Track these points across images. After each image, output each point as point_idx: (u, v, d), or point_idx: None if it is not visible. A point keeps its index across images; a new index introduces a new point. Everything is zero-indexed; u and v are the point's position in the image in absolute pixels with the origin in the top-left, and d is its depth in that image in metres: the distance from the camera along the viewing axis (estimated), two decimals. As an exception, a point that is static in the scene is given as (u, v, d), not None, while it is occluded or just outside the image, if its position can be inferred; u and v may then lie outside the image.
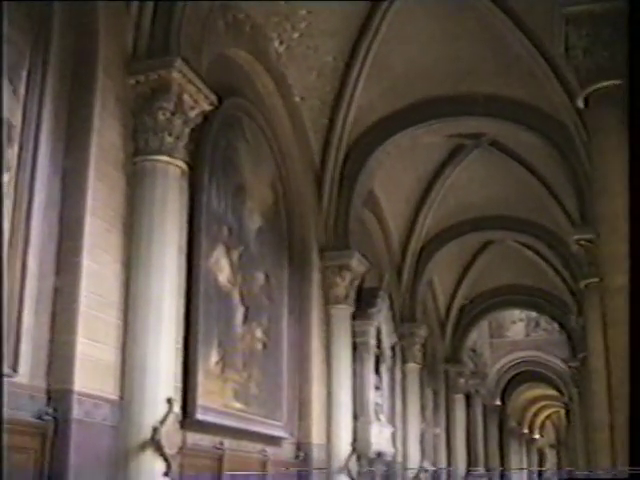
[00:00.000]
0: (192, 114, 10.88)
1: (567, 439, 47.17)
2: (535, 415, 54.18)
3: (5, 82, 8.50)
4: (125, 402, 9.74)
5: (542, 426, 56.38)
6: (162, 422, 9.74)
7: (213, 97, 11.25)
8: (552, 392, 44.44)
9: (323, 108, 16.93)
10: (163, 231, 10.28)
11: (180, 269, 11.09)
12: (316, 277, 17.02)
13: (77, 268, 9.28)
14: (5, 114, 8.49)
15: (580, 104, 10.63)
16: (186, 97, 10.71)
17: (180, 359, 11.30)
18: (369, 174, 18.21)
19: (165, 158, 10.48)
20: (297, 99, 16.30)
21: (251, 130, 15.03)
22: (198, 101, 10.94)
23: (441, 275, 27.67)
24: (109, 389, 9.62)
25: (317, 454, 16.25)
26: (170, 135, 10.51)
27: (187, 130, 10.78)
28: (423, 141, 19.29)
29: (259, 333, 14.63)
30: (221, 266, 13.36)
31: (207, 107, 11.20)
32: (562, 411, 47.66)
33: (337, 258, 17.30)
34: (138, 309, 9.95)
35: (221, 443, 12.80)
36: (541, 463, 54.55)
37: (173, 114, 10.56)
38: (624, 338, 9.24)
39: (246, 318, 14.12)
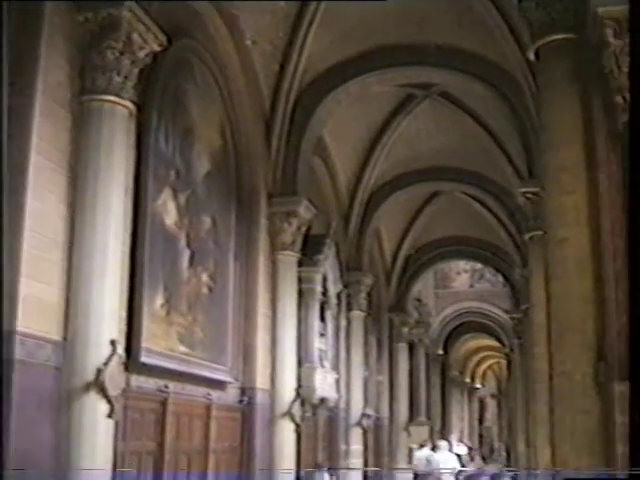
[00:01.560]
0: (141, 54, 10.72)
1: (508, 389, 47.92)
2: (477, 365, 54.96)
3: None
4: (69, 343, 9.70)
5: (484, 376, 57.22)
6: (106, 364, 9.73)
7: (163, 37, 11.09)
8: (494, 343, 45.05)
9: (275, 53, 16.76)
10: (109, 172, 10.17)
11: (126, 211, 10.99)
12: (263, 223, 17.01)
13: (21, 207, 9.16)
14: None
15: (531, 56, 10.67)
16: (135, 36, 10.54)
17: (125, 301, 11.26)
18: (319, 121, 18.15)
19: (113, 98, 10.34)
20: (248, 43, 16.11)
21: (201, 73, 14.88)
22: (147, 41, 10.77)
23: (388, 224, 27.79)
24: (52, 330, 9.56)
25: (261, 399, 16.38)
26: (118, 75, 10.35)
27: (136, 70, 10.63)
28: (373, 90, 19.22)
29: (205, 277, 14.63)
30: (168, 209, 13.30)
31: (157, 48, 11.04)
32: (503, 362, 48.33)
33: (284, 204, 17.29)
34: (83, 250, 9.88)
35: (166, 386, 12.84)
36: (482, 412, 55.45)
37: (122, 53, 10.41)
38: (565, 290, 9.40)
39: (192, 262, 14.10)
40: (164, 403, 12.70)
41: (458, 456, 25.02)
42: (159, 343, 12.69)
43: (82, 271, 9.84)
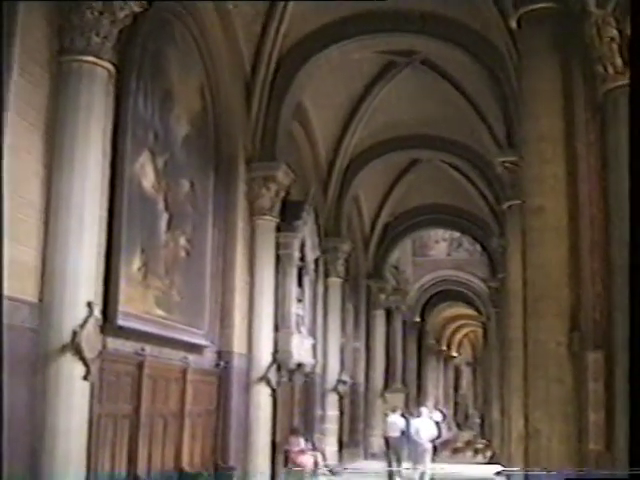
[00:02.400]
0: (121, 15, 10.58)
1: (483, 358, 48.25)
2: (453, 333, 55.30)
3: None
4: (45, 305, 9.68)
5: (459, 344, 57.61)
6: (82, 326, 9.74)
7: (143, -2, 10.99)
8: (471, 311, 45.30)
9: (256, 17, 16.63)
10: (87, 133, 10.12)
11: (104, 172, 10.94)
12: (242, 187, 16.97)
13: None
14: None
15: (513, 25, 10.66)
16: (115, -4, 10.44)
17: (102, 264, 11.25)
18: (299, 86, 18.08)
19: (91, 59, 10.26)
20: (230, 6, 15.97)
21: (181, 35, 14.76)
22: (127, 2, 10.65)
23: (367, 191, 27.80)
24: (29, 291, 9.54)
25: (238, 363, 16.44)
26: (97, 35, 10.25)
27: (115, 31, 10.51)
28: (354, 56, 19.14)
29: (183, 241, 14.61)
30: (146, 172, 13.24)
31: (137, 9, 10.91)
32: (479, 330, 48.62)
33: (263, 169, 17.25)
34: (59, 211, 9.83)
35: (142, 349, 12.86)
36: (457, 380, 55.88)
37: (101, 14, 10.29)
38: (542, 258, 9.45)
39: (170, 225, 14.07)
40: (140, 366, 12.72)
41: (436, 423, 25.24)
42: (136, 306, 12.68)
43: (59, 233, 9.80)
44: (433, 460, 23.22)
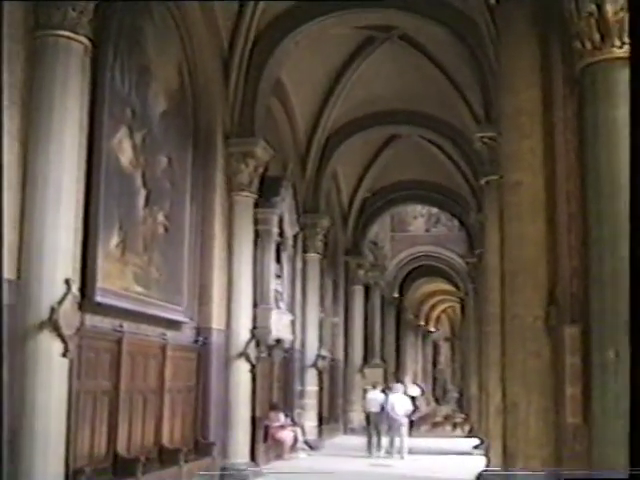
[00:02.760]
0: (97, -11, 10.52)
1: (461, 333, 48.53)
2: (432, 309, 55.56)
3: None
4: (22, 282, 9.65)
5: (438, 320, 57.90)
6: (60, 302, 9.72)
7: (119, -28, 10.91)
8: (449, 287, 45.48)
9: (233, -7, 16.56)
10: (63, 109, 10.04)
11: (81, 148, 10.87)
12: (220, 163, 16.91)
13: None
14: None
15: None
16: (91, -30, 10.35)
17: (80, 240, 11.20)
18: (277, 62, 17.99)
19: (67, 33, 10.16)
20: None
21: (159, 11, 14.67)
22: (103, -23, 10.58)
23: (345, 167, 27.78)
24: (5, 268, 9.47)
25: (217, 339, 16.46)
26: (73, 10, 10.14)
27: (91, 5, 10.41)
28: (332, 32, 19.06)
29: (161, 217, 14.56)
30: (123, 148, 13.16)
31: (113, -17, 10.86)
32: (457, 306, 48.86)
33: (242, 145, 17.18)
34: (36, 188, 9.78)
35: (120, 326, 12.85)
36: (435, 355, 56.19)
37: (77, -12, 10.21)
38: (519, 233, 9.49)
39: (148, 202, 14.02)
40: (119, 343, 12.72)
41: (412, 398, 25.65)
42: (114, 283, 12.66)
43: (35, 209, 9.76)
44: (411, 435, 23.71)
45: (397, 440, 22.33)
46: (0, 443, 7.98)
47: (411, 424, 25.05)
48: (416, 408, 28.15)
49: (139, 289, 13.65)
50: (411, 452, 22.17)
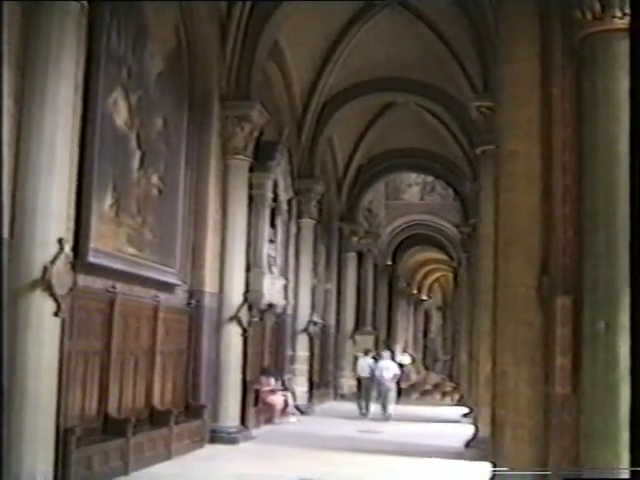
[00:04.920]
0: (93, -53, 10.42)
1: (453, 302, 48.65)
2: (424, 277, 55.62)
3: None
4: (15, 241, 9.61)
5: (430, 288, 57.99)
6: (53, 262, 9.70)
7: None
8: (442, 256, 45.50)
9: (232, -48, 16.42)
10: (59, 68, 9.95)
11: (75, 108, 10.81)
12: (216, 126, 16.85)
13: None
14: None
15: (491, -33, 10.58)
16: None
17: (73, 200, 11.17)
18: (275, 25, 17.86)
19: (64, -8, 10.07)
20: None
21: (156, -30, 14.54)
22: None
23: (341, 133, 27.69)
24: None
25: (209, 302, 16.50)
26: (70, -31, 10.07)
27: (88, -36, 10.35)
28: (333, -4, 18.98)
29: (155, 179, 14.54)
30: (119, 108, 13.10)
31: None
32: (450, 275, 48.91)
33: (238, 108, 17.11)
34: (30, 147, 9.72)
35: (113, 287, 12.86)
36: (427, 324, 56.35)
37: (73, -54, 10.10)
38: (513, 202, 9.47)
39: (142, 163, 13.98)
40: (112, 303, 12.74)
41: (400, 365, 26.24)
42: (107, 243, 12.65)
43: (29, 168, 9.70)
44: (399, 401, 24.48)
45: (385, 402, 23.47)
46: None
47: (399, 390, 26.14)
48: (403, 373, 28.67)
49: (132, 250, 13.65)
50: (401, 419, 22.41)
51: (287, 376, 23.00)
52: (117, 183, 12.98)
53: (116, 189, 12.94)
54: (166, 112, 15.05)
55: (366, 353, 25.76)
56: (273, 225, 20.46)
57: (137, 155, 13.84)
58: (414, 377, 40.37)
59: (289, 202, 22.14)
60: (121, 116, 13.21)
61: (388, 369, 24.11)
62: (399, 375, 25.41)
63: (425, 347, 54.62)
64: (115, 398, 12.93)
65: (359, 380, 24.92)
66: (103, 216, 12.50)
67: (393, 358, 25.59)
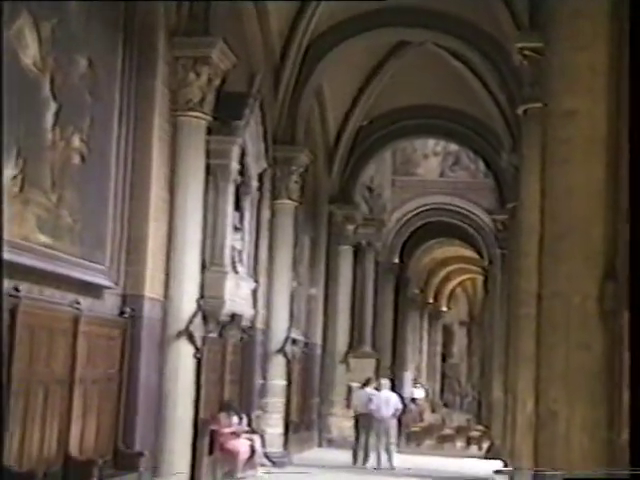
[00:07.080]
0: None
1: (482, 316, 48.83)
2: (444, 281, 55.91)
3: None
4: None
5: (451, 296, 58.29)
6: None
7: None
8: (468, 253, 45.80)
9: None
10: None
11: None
12: (161, 70, 16.72)
13: None
14: None
15: None
16: None
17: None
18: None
19: None
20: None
21: None
22: None
23: (334, 84, 27.72)
24: None
25: (150, 311, 16.38)
26: None
27: None
28: None
29: (77, 142, 14.38)
30: (25, 42, 12.93)
31: None
32: (479, 279, 49.18)
33: (192, 46, 17.05)
34: None
35: (16, 289, 12.68)
36: (447, 344, 56.56)
37: None
38: (568, 181, 9.42)
39: (58, 119, 13.82)
40: (13, 312, 12.53)
41: (412, 399, 26.37)
42: (8, 229, 12.49)
43: None
44: (406, 448, 24.70)
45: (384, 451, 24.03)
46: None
47: (399, 424, 27.12)
48: (405, 406, 28.99)
49: (44, 239, 13.49)
50: (407, 475, 22.54)
51: (255, 413, 22.97)
52: (23, 147, 12.80)
53: (21, 155, 12.76)
54: (92, 49, 14.90)
55: (365, 383, 25.76)
56: (239, 207, 20.37)
57: (51, 108, 13.66)
58: (428, 417, 40.52)
59: (261, 177, 22.05)
60: (28, 53, 13.02)
61: (388, 403, 24.44)
62: (401, 410, 25.83)
63: (444, 376, 54.92)
64: (15, 445, 12.75)
65: (356, 419, 25.04)
66: (2, 191, 12.37)
67: (393, 388, 25.70)
